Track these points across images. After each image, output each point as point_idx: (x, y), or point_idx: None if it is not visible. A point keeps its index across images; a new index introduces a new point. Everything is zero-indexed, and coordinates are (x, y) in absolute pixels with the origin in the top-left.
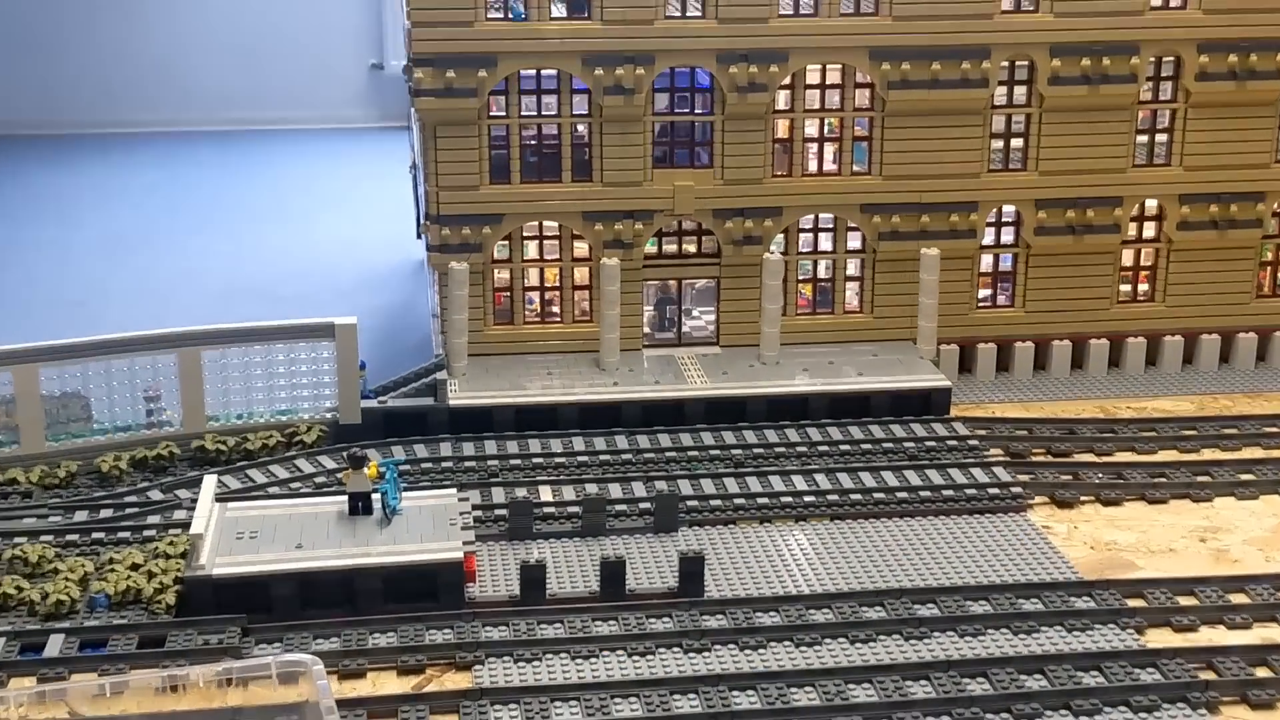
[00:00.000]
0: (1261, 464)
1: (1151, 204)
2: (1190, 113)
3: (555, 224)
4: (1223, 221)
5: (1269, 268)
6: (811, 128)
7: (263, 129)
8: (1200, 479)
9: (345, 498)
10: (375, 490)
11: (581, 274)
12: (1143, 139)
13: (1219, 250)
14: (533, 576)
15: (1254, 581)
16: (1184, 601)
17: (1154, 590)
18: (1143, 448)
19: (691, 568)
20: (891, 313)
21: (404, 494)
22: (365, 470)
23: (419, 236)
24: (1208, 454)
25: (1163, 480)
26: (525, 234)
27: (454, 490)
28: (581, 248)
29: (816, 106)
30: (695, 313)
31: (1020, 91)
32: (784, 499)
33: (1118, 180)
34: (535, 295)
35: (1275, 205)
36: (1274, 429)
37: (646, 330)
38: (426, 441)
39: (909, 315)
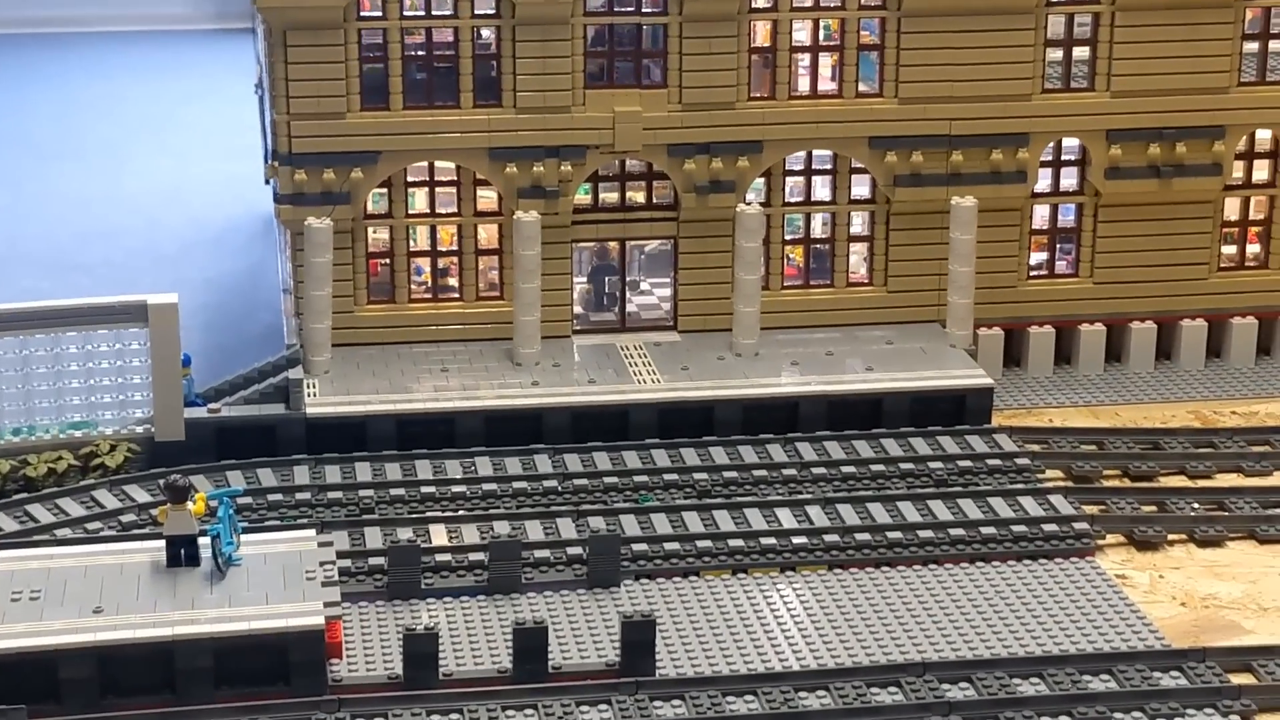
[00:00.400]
0: None
1: (1264, 136)
2: None
3: (451, 165)
4: None
5: None
6: (802, 32)
7: (53, 32)
8: None
9: (163, 543)
10: (204, 532)
11: (488, 233)
12: (1252, 47)
13: None
14: (421, 650)
15: None
16: None
17: (1267, 661)
18: (1252, 468)
19: (638, 635)
20: (912, 285)
21: (243, 537)
22: (190, 505)
23: (267, 182)
24: None
25: (1279, 512)
26: (410, 179)
27: (313, 532)
28: (488, 197)
29: (809, 4)
30: (644, 286)
31: None
32: (765, 541)
33: (1217, 103)
34: (424, 263)
35: None
36: None
37: (578, 310)
38: (275, 465)
39: (936, 289)
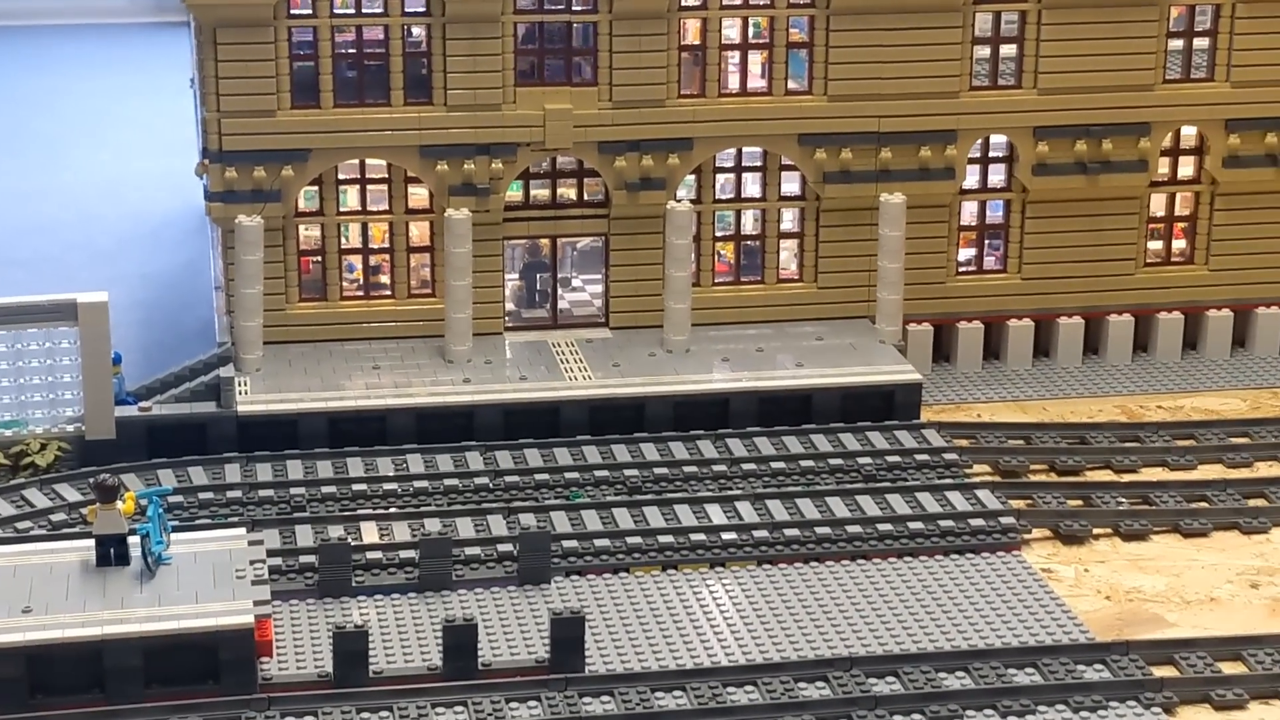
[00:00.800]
0: None
1: (1189, 132)
2: (1239, 9)
3: (383, 163)
4: None
5: None
6: (732, 30)
7: None
8: (1253, 503)
9: (92, 542)
10: (134, 531)
11: (419, 231)
12: (1177, 44)
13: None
14: (351, 648)
15: None
16: (1229, 669)
17: (1190, 654)
18: (1177, 462)
19: (568, 632)
20: (842, 281)
21: (173, 536)
22: (119, 504)
23: (200, 175)
24: (1264, 469)
25: (1203, 505)
26: (341, 177)
27: (243, 530)
28: (420, 195)
29: (738, 2)
30: (576, 282)
31: None
32: (695, 537)
33: (1143, 100)
34: (356, 260)
35: None
36: None
37: (510, 307)
38: (206, 463)
39: (866, 285)
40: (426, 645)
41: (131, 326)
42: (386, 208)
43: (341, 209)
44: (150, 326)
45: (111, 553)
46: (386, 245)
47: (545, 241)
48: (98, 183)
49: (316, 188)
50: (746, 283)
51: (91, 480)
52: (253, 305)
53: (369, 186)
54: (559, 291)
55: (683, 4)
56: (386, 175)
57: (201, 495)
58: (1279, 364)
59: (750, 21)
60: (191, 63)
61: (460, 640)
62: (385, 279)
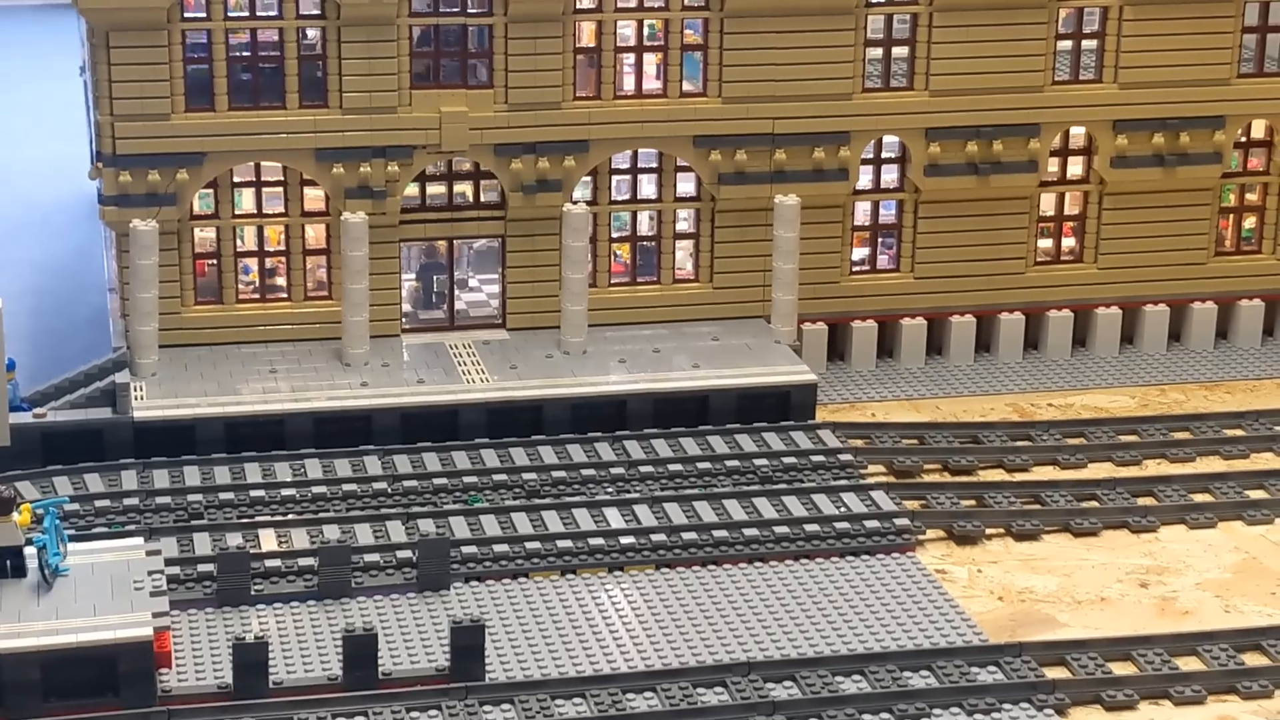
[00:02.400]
0: (1220, 480)
1: (1078, 133)
2: (1127, 11)
3: (278, 165)
4: (1170, 156)
5: (1231, 216)
6: (627, 31)
7: None
8: (1142, 501)
9: None
10: (30, 542)
11: (316, 233)
12: (1066, 45)
13: (1166, 194)
14: (250, 659)
15: (1209, 640)
16: (1120, 669)
17: (1081, 655)
18: (1067, 460)
19: (468, 640)
20: (737, 281)
21: (70, 546)
22: (15, 516)
23: (93, 178)
24: (1152, 467)
25: (1093, 504)
26: (237, 180)
27: (141, 540)
28: (315, 197)
29: (633, 5)
30: (473, 283)
31: None
32: (594, 541)
33: (1033, 101)
34: (252, 263)
35: (1238, 133)
36: (1236, 431)
37: (407, 308)
38: (103, 470)
39: (761, 285)
40: (326, 654)
41: (21, 315)
42: (283, 210)
43: (237, 212)
44: (41, 315)
45: (7, 565)
46: (283, 248)
47: (442, 243)
48: None
49: (211, 191)
50: (642, 283)
51: None
52: (148, 309)
53: (265, 189)
54: (456, 293)
55: (578, 6)
56: (282, 178)
57: (98, 503)
58: (1166, 361)
59: (645, 24)
60: (83, 49)
61: (360, 650)
62: (281, 281)
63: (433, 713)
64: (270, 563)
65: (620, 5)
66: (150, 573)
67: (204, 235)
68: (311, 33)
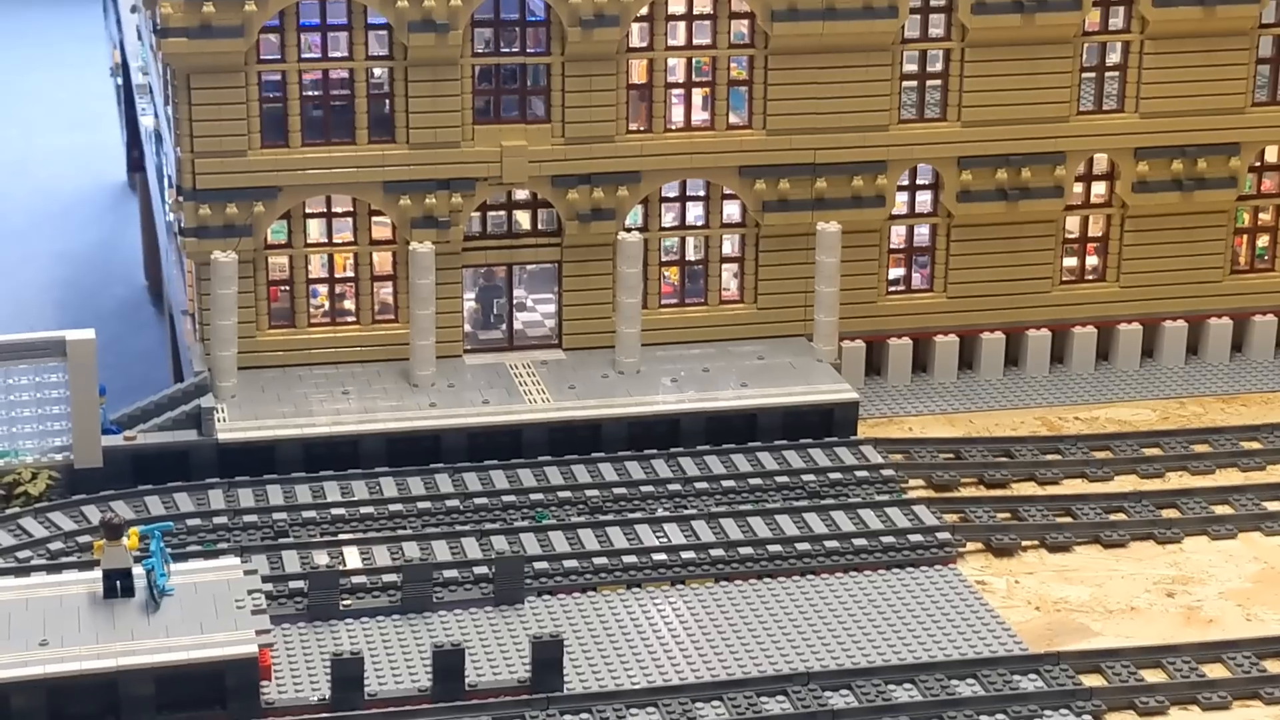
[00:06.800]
0: (1239, 492)
1: (1101, 159)
2: (1148, 45)
3: (348, 198)
4: (1188, 181)
5: (1245, 236)
6: (677, 68)
7: None
8: (1166, 513)
9: (96, 573)
10: (138, 565)
11: (382, 260)
12: (1089, 78)
13: (1184, 216)
14: (348, 673)
15: (1232, 649)
16: (1151, 676)
17: (1115, 663)
18: (1095, 473)
19: (547, 653)
20: (780, 302)
21: (172, 567)
22: (124, 540)
23: (174, 212)
24: (1174, 479)
25: (1121, 517)
26: (309, 211)
27: (236, 559)
28: (383, 227)
29: (682, 43)
30: (529, 303)
31: (938, 22)
32: (656, 555)
33: (1059, 131)
34: (322, 288)
35: (1253, 158)
36: (1253, 444)
37: (467, 328)
38: (190, 489)
39: (803, 305)
40: (414, 666)
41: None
42: (351, 239)
43: (309, 241)
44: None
45: (118, 586)
46: (351, 274)
47: (501, 269)
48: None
49: (285, 222)
50: (691, 304)
51: (99, 519)
52: (228, 336)
53: (335, 220)
54: (514, 314)
55: (630, 45)
56: (352, 209)
57: (189, 521)
58: (1185, 374)
59: (693, 61)
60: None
61: (448, 664)
62: (349, 304)
63: None
64: (356, 579)
65: (670, 44)
66: (250, 591)
67: (277, 261)
68: (379, 72)
